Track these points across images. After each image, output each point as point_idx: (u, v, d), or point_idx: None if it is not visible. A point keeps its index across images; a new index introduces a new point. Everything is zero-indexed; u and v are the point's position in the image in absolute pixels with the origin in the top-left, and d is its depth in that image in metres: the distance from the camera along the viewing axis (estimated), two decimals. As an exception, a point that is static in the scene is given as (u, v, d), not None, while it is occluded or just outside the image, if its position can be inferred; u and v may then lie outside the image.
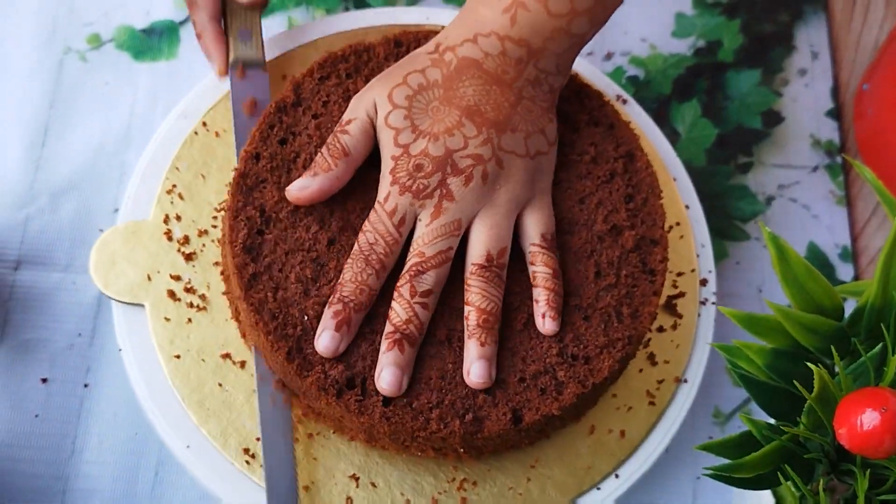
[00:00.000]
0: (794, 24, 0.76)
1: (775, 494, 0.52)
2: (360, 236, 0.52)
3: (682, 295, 0.60)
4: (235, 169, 0.55)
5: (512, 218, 0.54)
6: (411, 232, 0.53)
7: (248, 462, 0.54)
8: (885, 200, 0.46)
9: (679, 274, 0.61)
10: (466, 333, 0.52)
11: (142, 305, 0.57)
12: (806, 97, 0.74)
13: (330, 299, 0.52)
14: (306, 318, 0.51)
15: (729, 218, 0.69)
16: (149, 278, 0.57)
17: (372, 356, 0.51)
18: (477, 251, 0.53)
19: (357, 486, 0.54)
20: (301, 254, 0.53)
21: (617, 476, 0.56)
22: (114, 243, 0.58)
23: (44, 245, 0.63)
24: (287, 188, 0.53)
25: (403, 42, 0.59)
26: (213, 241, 0.58)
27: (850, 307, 0.47)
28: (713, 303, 0.61)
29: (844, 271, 0.68)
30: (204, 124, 0.61)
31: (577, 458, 0.56)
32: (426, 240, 0.52)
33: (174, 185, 0.60)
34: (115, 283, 0.57)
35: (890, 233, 0.44)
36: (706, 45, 0.75)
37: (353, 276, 0.52)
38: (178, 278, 0.57)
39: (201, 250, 0.58)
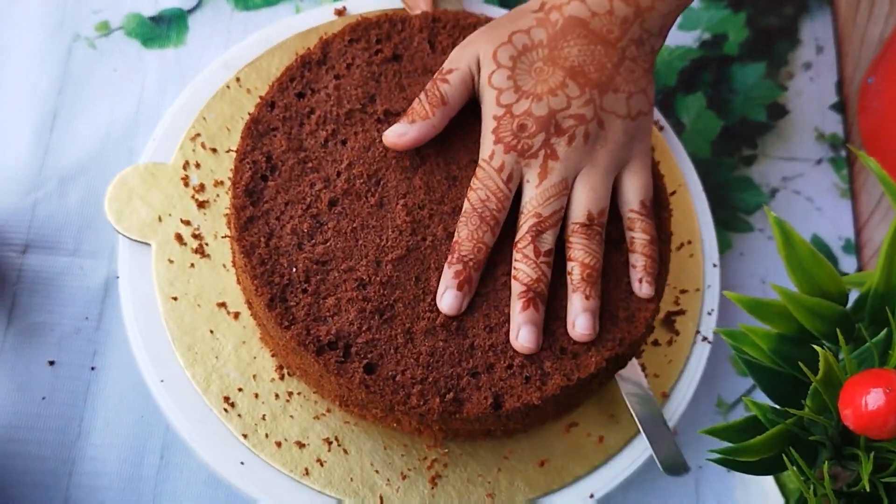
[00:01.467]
0: (799, 17, 0.76)
1: (779, 481, 0.52)
2: (471, 194, 0.53)
3: (682, 312, 0.60)
4: (249, 114, 0.56)
5: (611, 178, 0.54)
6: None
7: (226, 410, 0.54)
8: (889, 190, 0.46)
9: (682, 291, 0.61)
10: (570, 288, 0.53)
11: (148, 245, 0.58)
12: (810, 90, 0.74)
13: (448, 259, 0.52)
14: (294, 270, 0.52)
15: (733, 209, 0.69)
16: (159, 219, 0.58)
17: (359, 322, 0.51)
18: (579, 211, 0.53)
19: (329, 451, 0.54)
20: (301, 207, 0.53)
21: (592, 496, 0.56)
22: (132, 181, 0.59)
23: (52, 229, 0.63)
24: (384, 133, 0.54)
25: (440, 17, 0.59)
26: (227, 192, 0.59)
27: (852, 299, 0.47)
28: (709, 341, 0.60)
29: (848, 264, 0.68)
30: (237, 80, 0.62)
31: (552, 457, 0.56)
32: (540, 201, 0.53)
33: (199, 134, 0.61)
34: (126, 219, 0.58)
35: (893, 219, 0.44)
36: (712, 37, 0.75)
37: (469, 235, 0.52)
38: (188, 223, 0.58)
39: (215, 200, 0.59)
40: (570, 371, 0.52)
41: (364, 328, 0.51)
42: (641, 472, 0.57)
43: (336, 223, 0.53)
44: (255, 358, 0.56)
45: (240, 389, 0.55)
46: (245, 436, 0.54)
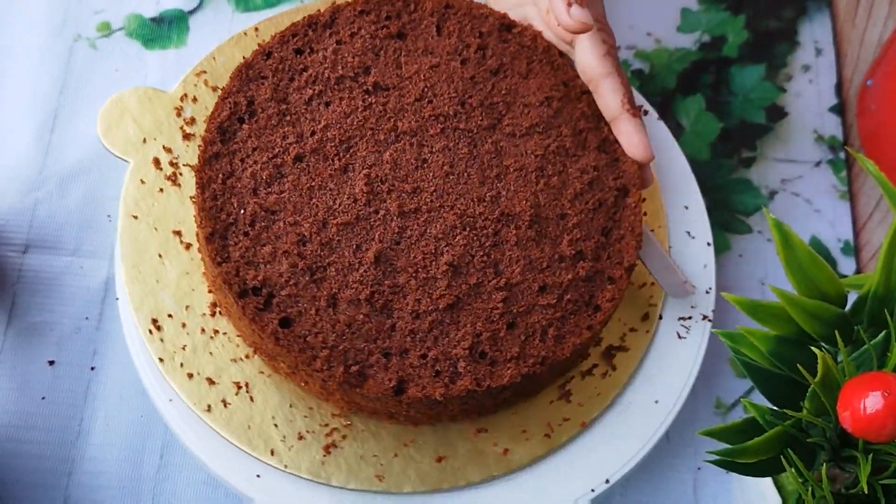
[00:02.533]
0: (798, 20, 0.76)
1: (777, 482, 0.52)
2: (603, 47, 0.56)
3: (624, 349, 0.59)
4: (244, 57, 0.57)
5: None
6: None
7: (150, 332, 0.55)
8: (887, 192, 0.46)
9: (632, 329, 0.59)
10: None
11: (127, 162, 0.59)
12: (809, 93, 0.74)
13: (631, 111, 0.55)
14: (242, 212, 0.52)
15: (731, 211, 0.69)
16: (144, 141, 0.60)
17: (289, 276, 0.51)
18: None
19: (236, 395, 0.55)
20: (267, 155, 0.54)
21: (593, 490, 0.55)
22: (129, 101, 0.61)
23: (52, 229, 0.63)
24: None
25: (454, 4, 0.59)
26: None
27: (851, 301, 0.47)
28: (656, 401, 0.58)
29: (846, 266, 0.68)
30: (256, 29, 0.63)
31: (452, 456, 0.55)
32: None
33: (204, 71, 0.62)
34: (113, 135, 0.60)
35: (892, 222, 0.44)
36: (711, 39, 0.75)
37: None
38: (169, 150, 0.60)
39: (200, 136, 0.59)
40: (483, 377, 0.51)
41: (291, 283, 0.51)
42: (640, 471, 0.57)
43: (296, 178, 0.53)
44: (193, 290, 0.57)
45: (169, 315, 0.56)
46: (161, 360, 0.55)
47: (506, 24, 0.59)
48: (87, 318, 0.61)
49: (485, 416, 0.56)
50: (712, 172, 0.70)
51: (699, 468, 0.61)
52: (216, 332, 0.56)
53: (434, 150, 0.55)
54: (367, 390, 0.50)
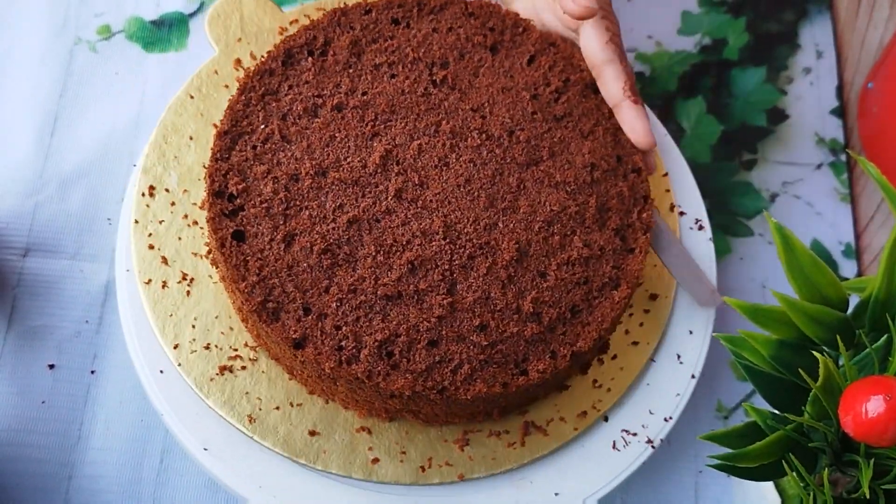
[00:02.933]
0: (799, 22, 0.76)
1: (778, 486, 0.51)
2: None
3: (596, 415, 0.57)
4: (345, 3, 0.58)
5: None
6: None
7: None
8: (888, 195, 0.46)
9: (634, 343, 0.59)
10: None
11: (214, 50, 0.62)
12: (810, 95, 0.73)
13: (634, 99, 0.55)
14: (263, 127, 0.54)
15: (733, 214, 0.69)
16: (239, 40, 0.62)
17: (265, 200, 0.52)
18: None
19: (178, 283, 0.57)
20: (313, 92, 0.55)
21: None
22: (247, 3, 0.64)
23: (52, 233, 0.63)
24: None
25: (559, 45, 0.59)
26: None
27: (853, 305, 0.47)
28: (633, 434, 0.57)
29: (848, 268, 0.68)
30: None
31: (324, 434, 0.54)
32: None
33: (322, 8, 0.64)
34: (216, 22, 0.63)
35: (894, 225, 0.44)
36: (712, 42, 0.74)
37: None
38: (254, 58, 0.62)
39: None
40: (376, 373, 0.50)
41: (264, 206, 0.52)
42: (641, 474, 0.57)
43: (325, 122, 0.55)
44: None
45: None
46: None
47: (593, 84, 0.58)
48: (87, 321, 0.61)
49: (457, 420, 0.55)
50: (713, 175, 0.70)
51: (700, 472, 0.61)
52: (191, 280, 0.57)
53: (460, 159, 0.55)
54: (273, 331, 0.50)
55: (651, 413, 0.57)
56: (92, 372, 0.60)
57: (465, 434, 0.55)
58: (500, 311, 0.52)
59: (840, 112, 0.73)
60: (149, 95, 0.68)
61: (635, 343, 0.58)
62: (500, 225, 0.53)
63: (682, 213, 0.62)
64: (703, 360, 0.58)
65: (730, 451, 0.44)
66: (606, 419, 0.57)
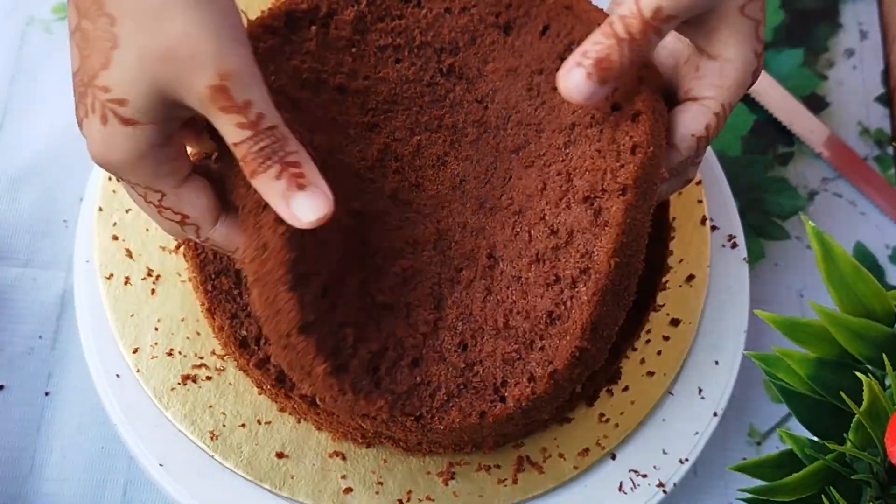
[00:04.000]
0: (840, -1, 0.76)
1: (817, 522, 0.51)
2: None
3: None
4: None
5: None
6: None
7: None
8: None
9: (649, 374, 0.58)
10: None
11: None
12: (853, 80, 0.73)
13: None
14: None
15: (766, 214, 0.69)
16: None
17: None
18: None
19: (143, 279, 0.57)
20: (315, 67, 0.54)
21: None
22: None
23: (2, 237, 0.63)
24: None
25: (574, 8, 0.57)
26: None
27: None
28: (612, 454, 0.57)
29: (895, 275, 0.68)
30: None
31: (293, 458, 0.55)
32: None
33: None
34: None
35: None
36: (742, 21, 0.74)
37: None
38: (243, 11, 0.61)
39: None
40: (339, 392, 0.48)
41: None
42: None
43: (324, 104, 0.54)
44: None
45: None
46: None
47: None
48: (40, 336, 0.61)
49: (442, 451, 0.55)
50: (744, 170, 0.70)
51: (731, 502, 0.60)
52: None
53: (459, 157, 0.55)
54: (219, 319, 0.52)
55: (665, 453, 0.57)
56: (46, 394, 0.60)
57: (451, 466, 0.55)
58: (480, 327, 0.50)
59: (886, 99, 0.73)
60: (110, 82, 0.68)
61: (651, 374, 0.58)
62: (487, 228, 0.53)
63: (714, 228, 0.62)
64: (727, 395, 0.58)
65: (763, 483, 0.44)
66: (614, 457, 0.56)
